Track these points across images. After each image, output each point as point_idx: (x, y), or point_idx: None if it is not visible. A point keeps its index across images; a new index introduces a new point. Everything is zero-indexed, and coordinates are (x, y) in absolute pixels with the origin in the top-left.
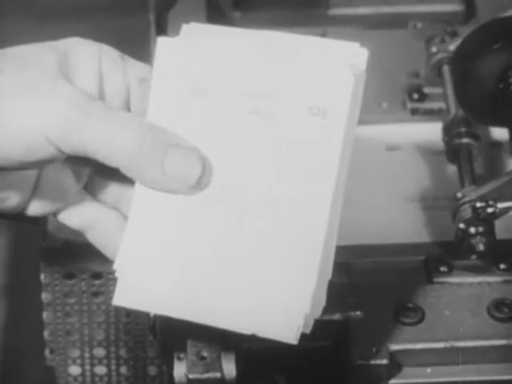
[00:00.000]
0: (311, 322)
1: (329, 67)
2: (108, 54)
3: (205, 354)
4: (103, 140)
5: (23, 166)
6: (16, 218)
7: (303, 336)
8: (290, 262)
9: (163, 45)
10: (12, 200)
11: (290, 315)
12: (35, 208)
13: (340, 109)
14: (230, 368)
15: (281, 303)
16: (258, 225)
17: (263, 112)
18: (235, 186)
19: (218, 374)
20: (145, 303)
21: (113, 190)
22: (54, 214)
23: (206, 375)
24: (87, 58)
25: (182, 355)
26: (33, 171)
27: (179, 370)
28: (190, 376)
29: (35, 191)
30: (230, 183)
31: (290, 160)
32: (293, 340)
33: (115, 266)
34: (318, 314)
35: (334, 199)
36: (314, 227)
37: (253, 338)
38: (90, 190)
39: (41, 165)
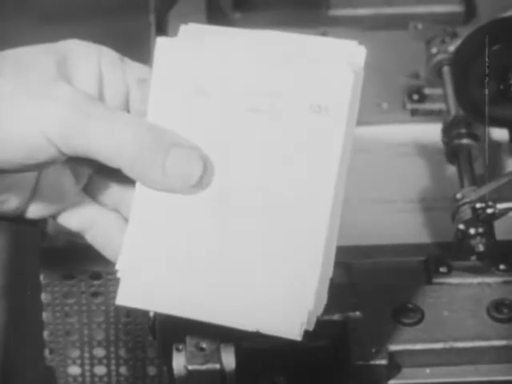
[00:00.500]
0: (314, 320)
1: (328, 65)
2: (107, 56)
3: (204, 345)
4: (104, 141)
5: (24, 169)
6: (15, 220)
7: (305, 334)
8: (292, 259)
9: (162, 45)
10: (11, 203)
11: (293, 312)
12: (34, 210)
13: (340, 106)
14: (229, 360)
15: (284, 300)
16: (259, 223)
17: (263, 111)
18: (236, 184)
19: (218, 366)
20: (148, 302)
21: (113, 192)
22: (53, 217)
23: (205, 366)
24: (86, 59)
25: (180, 346)
26: (32, 173)
27: (178, 361)
28: (189, 367)
29: (34, 194)
30: (231, 182)
31: (292, 158)
32: (296, 336)
33: (117, 267)
34: (320, 311)
35: (336, 196)
36: (316, 224)
37: (255, 335)
38: (90, 191)
39: (41, 167)
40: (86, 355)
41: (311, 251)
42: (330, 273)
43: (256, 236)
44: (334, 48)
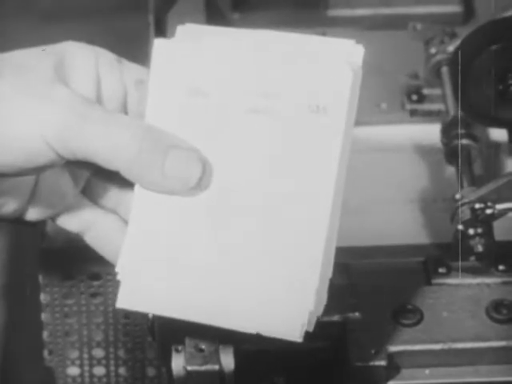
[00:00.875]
0: (314, 320)
1: (327, 64)
2: (104, 58)
3: (203, 346)
4: (102, 143)
5: (23, 172)
6: (14, 222)
7: (305, 335)
8: (292, 260)
9: (159, 46)
10: (10, 206)
11: (293, 313)
12: (33, 213)
13: (339, 105)
14: (228, 361)
15: (284, 301)
16: (259, 224)
17: (262, 111)
18: (235, 185)
19: (217, 367)
20: (148, 305)
21: (111, 194)
22: (52, 219)
23: (204, 367)
24: (84, 61)
25: (179, 347)
26: (31, 176)
27: (177, 362)
28: (188, 368)
29: (33, 196)
30: (230, 183)
31: (291, 158)
32: (297, 338)
33: (117, 269)
34: (320, 312)
35: (335, 196)
36: (315, 224)
37: (254, 337)
38: (88, 193)
39: (40, 170)
40: (85, 356)
41: (311, 251)
42: (329, 273)
43: (255, 237)
44: (332, 47)
